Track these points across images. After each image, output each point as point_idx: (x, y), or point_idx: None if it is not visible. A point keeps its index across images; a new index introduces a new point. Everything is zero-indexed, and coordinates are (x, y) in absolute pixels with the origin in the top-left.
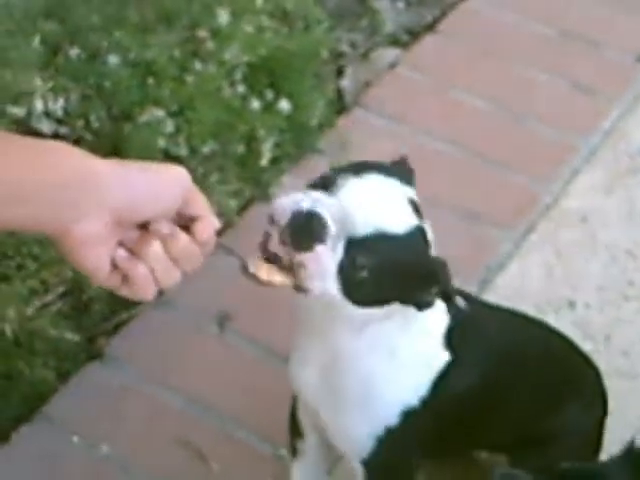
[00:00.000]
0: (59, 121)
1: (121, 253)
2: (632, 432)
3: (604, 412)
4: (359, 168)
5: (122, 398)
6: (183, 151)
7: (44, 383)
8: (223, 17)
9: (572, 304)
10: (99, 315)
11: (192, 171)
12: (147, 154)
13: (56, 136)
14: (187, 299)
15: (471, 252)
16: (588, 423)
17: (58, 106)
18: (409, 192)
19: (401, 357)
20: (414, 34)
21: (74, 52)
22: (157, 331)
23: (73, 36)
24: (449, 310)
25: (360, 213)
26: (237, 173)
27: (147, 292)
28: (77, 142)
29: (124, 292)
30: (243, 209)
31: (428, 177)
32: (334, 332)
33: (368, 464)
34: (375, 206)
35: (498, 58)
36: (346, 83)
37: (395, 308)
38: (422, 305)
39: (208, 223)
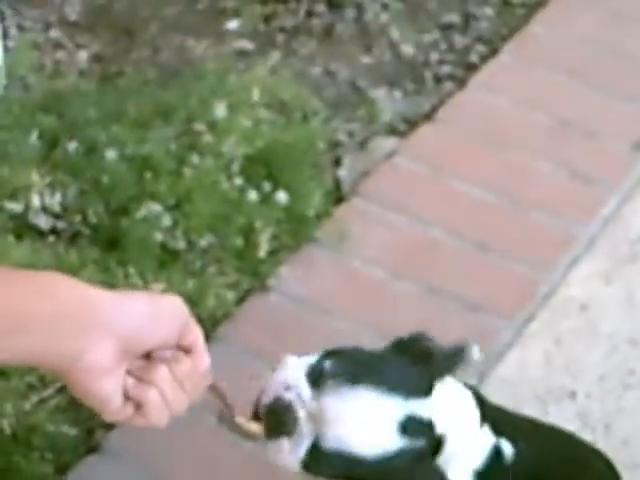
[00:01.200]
0: (56, 216)
1: (130, 381)
2: None
3: None
4: (358, 374)
5: None
6: (181, 244)
7: (42, 477)
8: (220, 110)
9: (573, 394)
10: None
11: (190, 264)
12: (145, 248)
13: (53, 231)
14: None
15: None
16: None
17: (55, 201)
18: (411, 407)
19: None
20: (412, 123)
21: (72, 146)
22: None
23: (71, 130)
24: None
25: (332, 426)
26: (235, 265)
27: (161, 418)
28: (75, 237)
29: (138, 422)
30: (241, 300)
31: (427, 267)
32: None
33: None
34: (350, 424)
35: (496, 147)
36: (344, 173)
37: None
38: None
39: (204, 355)
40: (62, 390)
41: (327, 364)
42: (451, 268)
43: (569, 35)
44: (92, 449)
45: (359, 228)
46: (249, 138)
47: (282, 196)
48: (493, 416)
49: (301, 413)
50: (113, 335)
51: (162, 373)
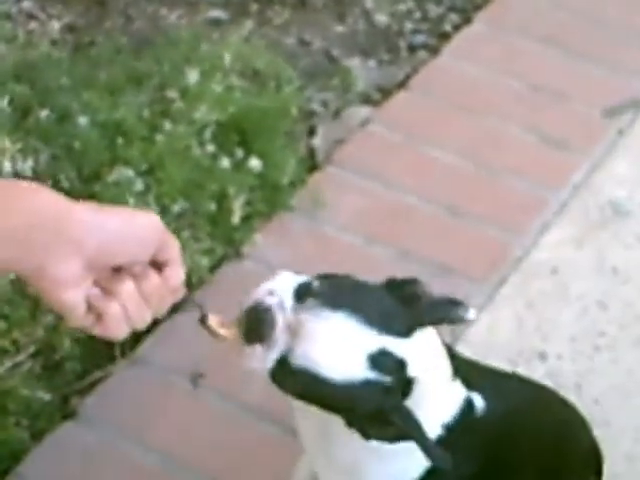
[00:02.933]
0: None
1: (95, 292)
2: None
3: None
4: (342, 299)
5: (97, 456)
6: (154, 210)
7: (17, 443)
8: (192, 77)
9: (543, 355)
10: (72, 374)
11: None
12: None
13: None
14: (160, 357)
15: None
16: None
17: (27, 166)
18: (386, 343)
19: (383, 450)
20: (386, 92)
21: (44, 114)
22: (131, 389)
23: (43, 98)
24: (454, 419)
25: (304, 343)
26: (209, 231)
27: (119, 331)
28: None
29: (97, 331)
30: (215, 267)
31: (401, 232)
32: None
33: None
34: (322, 345)
35: (469, 113)
36: (318, 141)
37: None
38: (368, 436)
39: (178, 270)
40: (36, 355)
41: (315, 283)
42: (424, 233)
43: (541, 2)
44: (68, 415)
45: (333, 195)
46: (222, 105)
47: (255, 163)
48: (465, 370)
49: (279, 320)
50: (82, 251)
51: (127, 287)
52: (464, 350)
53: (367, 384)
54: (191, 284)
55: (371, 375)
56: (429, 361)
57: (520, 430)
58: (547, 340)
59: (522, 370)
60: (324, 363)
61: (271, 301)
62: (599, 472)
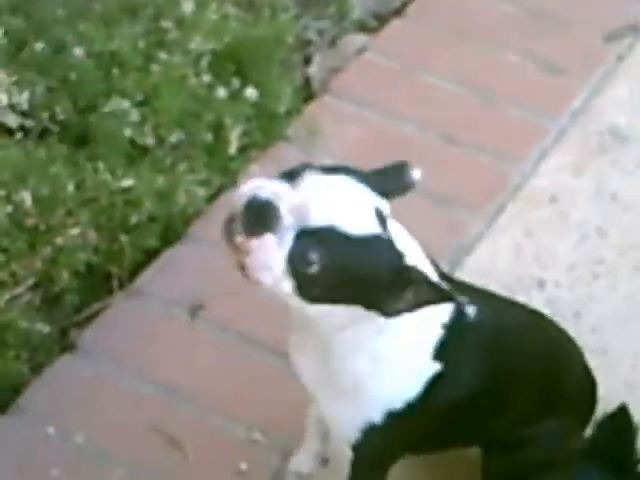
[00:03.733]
0: (24, 114)
1: None
2: (601, 407)
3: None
4: (331, 168)
5: (96, 388)
6: (150, 141)
7: (17, 376)
8: (187, 6)
9: (542, 283)
10: (70, 307)
11: (159, 160)
12: (113, 144)
13: (22, 128)
14: (158, 289)
15: (441, 234)
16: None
17: (23, 99)
18: (378, 203)
19: (385, 363)
20: (382, 19)
21: (39, 46)
22: (129, 321)
23: (38, 30)
24: (451, 320)
25: (316, 205)
26: (205, 162)
27: None
28: (43, 134)
29: None
30: (212, 198)
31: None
32: (318, 328)
33: (355, 450)
34: (333, 203)
35: (466, 40)
36: (314, 70)
37: (360, 314)
38: (388, 313)
39: None
40: (35, 288)
41: (299, 167)
42: (421, 162)
43: None
44: (66, 348)
45: (329, 125)
46: (217, 34)
47: (251, 92)
48: (456, 285)
49: (279, 203)
50: None
51: None
52: (463, 277)
53: (380, 240)
54: (188, 216)
55: (381, 231)
56: (410, 244)
57: (517, 346)
58: (546, 268)
59: (520, 298)
60: (342, 219)
61: (264, 192)
62: (593, 401)
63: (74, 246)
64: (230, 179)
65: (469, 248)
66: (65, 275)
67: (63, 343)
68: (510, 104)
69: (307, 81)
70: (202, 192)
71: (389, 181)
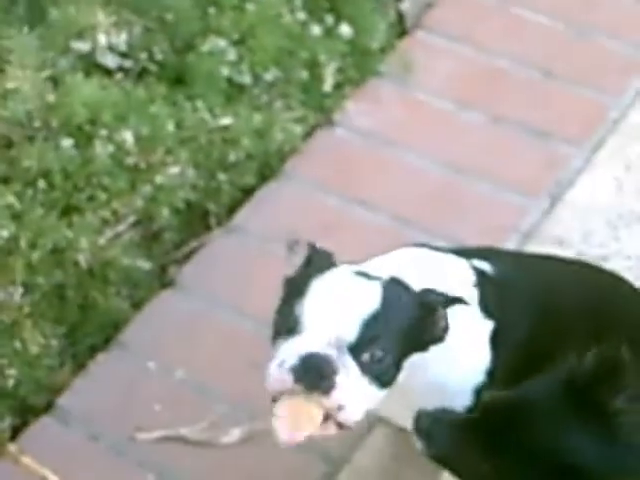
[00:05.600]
0: (123, 54)
1: None
2: None
3: None
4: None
5: (195, 324)
6: (246, 79)
7: (118, 312)
8: None
9: None
10: (170, 244)
11: (256, 98)
12: (211, 83)
13: (121, 69)
14: (256, 225)
15: (541, 169)
16: None
17: (121, 40)
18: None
19: (454, 349)
20: None
21: None
22: (227, 258)
23: None
24: (477, 279)
25: (344, 320)
26: (301, 99)
27: None
28: (142, 74)
29: None
30: (308, 135)
31: (494, 96)
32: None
33: None
34: (340, 307)
35: None
36: (406, 6)
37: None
38: (438, 339)
39: None
40: (136, 225)
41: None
42: (518, 96)
43: None
44: (166, 284)
45: (424, 60)
46: None
47: (345, 29)
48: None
49: (316, 350)
50: None
51: None
52: (563, 211)
53: (386, 288)
54: (284, 153)
55: (377, 280)
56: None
57: (554, 295)
58: None
59: (622, 232)
60: (359, 308)
61: (293, 360)
62: None
63: (173, 184)
64: (325, 116)
65: (569, 183)
66: (164, 213)
67: (163, 280)
68: (607, 37)
69: (400, 17)
70: (298, 129)
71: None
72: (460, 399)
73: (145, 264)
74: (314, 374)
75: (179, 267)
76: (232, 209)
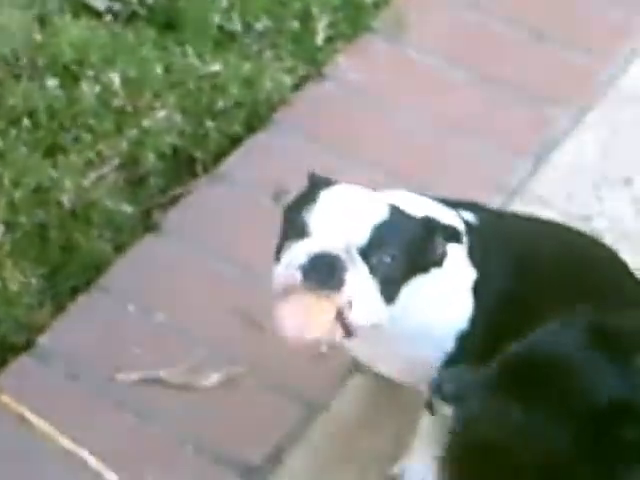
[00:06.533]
0: None
1: None
2: None
3: None
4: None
5: (178, 269)
6: (237, 26)
7: (101, 255)
8: None
9: (629, 181)
10: (155, 189)
11: (246, 47)
12: (201, 29)
13: (110, 11)
14: (242, 174)
15: (528, 129)
16: None
17: None
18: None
19: (441, 294)
20: None
21: None
22: (212, 205)
23: None
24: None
25: (348, 227)
26: (292, 51)
27: None
28: (131, 17)
29: None
30: (297, 86)
31: (485, 55)
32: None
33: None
34: (350, 213)
35: None
36: None
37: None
38: (437, 263)
39: None
40: (121, 168)
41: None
42: (508, 57)
43: None
44: (150, 229)
45: (416, 17)
46: None
47: None
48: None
49: (330, 248)
50: None
51: None
52: (549, 172)
53: (395, 209)
54: (273, 102)
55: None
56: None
57: (535, 253)
58: (632, 167)
59: (606, 194)
60: (368, 214)
61: (303, 258)
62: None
63: (160, 129)
64: (316, 69)
65: (555, 144)
66: (150, 157)
67: (146, 224)
68: (601, 2)
69: None
70: (287, 80)
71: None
72: (443, 345)
73: (129, 208)
74: (324, 271)
75: (163, 212)
76: (219, 157)
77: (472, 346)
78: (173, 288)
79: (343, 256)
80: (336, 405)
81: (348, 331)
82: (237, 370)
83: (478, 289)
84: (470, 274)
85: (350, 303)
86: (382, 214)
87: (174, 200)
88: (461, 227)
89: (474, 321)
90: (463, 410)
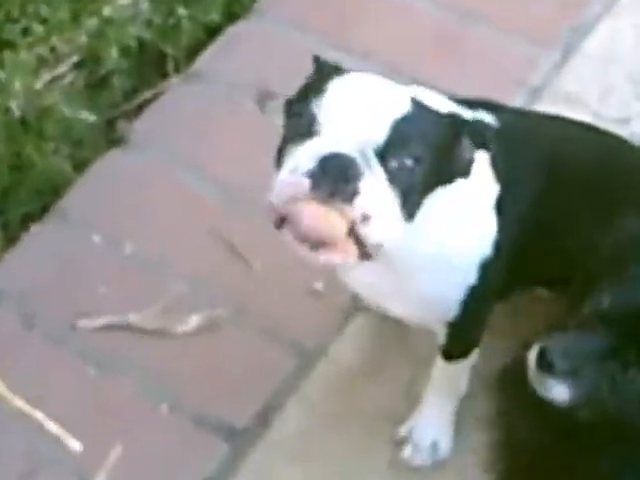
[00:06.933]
0: None
1: None
2: None
3: None
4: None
5: (148, 190)
6: None
7: (57, 174)
8: None
9: None
10: (119, 92)
11: None
12: None
13: None
14: (221, 72)
15: (555, 13)
16: None
17: None
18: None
19: (460, 213)
20: None
21: None
22: (187, 110)
23: None
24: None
25: (363, 123)
26: None
27: None
28: None
29: None
30: None
31: None
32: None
33: (453, 324)
34: (366, 105)
35: None
36: None
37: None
38: (463, 172)
39: None
40: (79, 67)
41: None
42: None
43: None
44: (114, 142)
45: None
46: None
47: None
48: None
49: (340, 147)
50: None
51: None
52: (580, 62)
53: (417, 103)
54: None
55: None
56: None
57: (561, 162)
58: None
59: None
60: (388, 109)
61: (310, 163)
62: None
63: (124, 18)
64: None
65: (586, 31)
66: (113, 53)
67: (110, 136)
68: None
69: None
70: None
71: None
72: (465, 275)
73: (89, 116)
74: (336, 177)
75: (130, 121)
76: (193, 52)
77: (495, 277)
78: (143, 213)
79: (358, 159)
80: (335, 352)
81: (364, 252)
82: (219, 312)
83: (502, 206)
84: (493, 188)
85: (365, 216)
86: (403, 107)
87: (142, 106)
88: (490, 128)
89: (498, 246)
90: (580, 385)
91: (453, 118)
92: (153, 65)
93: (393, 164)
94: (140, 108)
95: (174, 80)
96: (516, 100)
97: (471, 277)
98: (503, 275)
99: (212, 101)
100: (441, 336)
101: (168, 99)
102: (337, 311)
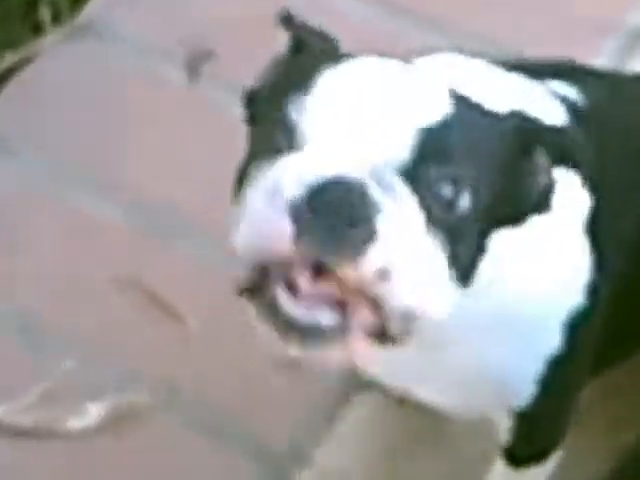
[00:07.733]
0: None
1: None
2: None
3: None
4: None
5: (23, 207)
6: None
7: None
8: None
9: None
10: None
11: None
12: None
13: None
14: (125, 21)
15: None
16: None
17: None
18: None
19: (535, 247)
20: None
21: None
22: (72, 85)
23: None
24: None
25: (375, 129)
26: None
27: None
28: None
29: None
30: None
31: None
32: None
33: (523, 415)
34: (379, 103)
35: None
36: None
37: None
38: (539, 206)
39: None
40: None
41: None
42: None
43: None
44: None
45: None
46: None
47: None
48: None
49: (339, 177)
50: None
51: None
52: None
53: (463, 101)
54: None
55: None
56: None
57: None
58: None
59: None
60: (418, 115)
61: (299, 190)
62: None
63: None
64: None
65: None
66: None
67: None
68: None
69: None
70: None
71: None
72: (543, 340)
73: None
74: (336, 216)
75: None
76: None
77: (591, 339)
78: (13, 251)
79: (370, 185)
80: (322, 459)
81: (386, 335)
82: (134, 397)
83: (596, 230)
84: (584, 202)
85: (387, 274)
86: (441, 105)
87: (9, 74)
88: (561, 118)
89: (594, 289)
90: None
91: (519, 121)
92: (23, 16)
93: (427, 191)
94: (6, 76)
95: (51, 37)
96: (601, 56)
97: (553, 342)
98: (602, 335)
99: (112, 69)
100: (503, 431)
101: (42, 67)
102: (322, 393)
